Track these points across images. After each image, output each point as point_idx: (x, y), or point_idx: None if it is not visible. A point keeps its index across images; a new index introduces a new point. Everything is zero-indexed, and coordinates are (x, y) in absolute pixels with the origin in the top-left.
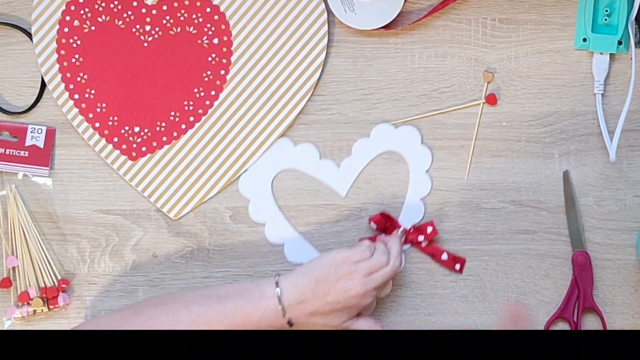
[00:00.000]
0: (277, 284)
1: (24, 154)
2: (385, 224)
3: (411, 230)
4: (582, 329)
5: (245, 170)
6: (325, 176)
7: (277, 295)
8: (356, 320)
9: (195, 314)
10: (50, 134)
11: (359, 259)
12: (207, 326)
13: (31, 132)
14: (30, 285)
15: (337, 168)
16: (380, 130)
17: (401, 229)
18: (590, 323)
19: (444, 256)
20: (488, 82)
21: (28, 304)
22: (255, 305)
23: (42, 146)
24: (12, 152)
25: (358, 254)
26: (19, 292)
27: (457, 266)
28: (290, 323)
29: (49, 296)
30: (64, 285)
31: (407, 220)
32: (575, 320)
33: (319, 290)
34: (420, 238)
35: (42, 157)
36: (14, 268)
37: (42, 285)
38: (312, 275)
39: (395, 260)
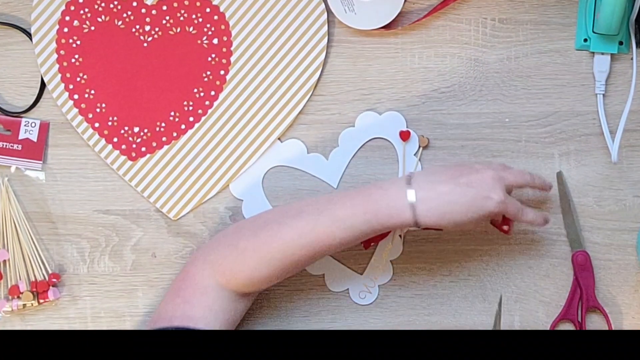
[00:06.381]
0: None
1: (17, 147)
2: None
3: None
4: (586, 329)
5: (244, 171)
6: (315, 169)
7: (404, 180)
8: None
9: (327, 216)
10: (44, 128)
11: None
12: (346, 227)
13: (25, 125)
14: (20, 279)
15: (326, 160)
16: (365, 118)
17: None
18: (594, 323)
19: None
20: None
21: (18, 297)
22: (380, 186)
23: (35, 140)
24: (5, 145)
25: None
26: (9, 286)
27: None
28: (414, 209)
29: (39, 290)
30: (54, 280)
31: None
32: (579, 320)
33: (451, 172)
34: None
35: (35, 150)
36: (4, 261)
37: (33, 279)
38: (446, 167)
39: (532, 174)
